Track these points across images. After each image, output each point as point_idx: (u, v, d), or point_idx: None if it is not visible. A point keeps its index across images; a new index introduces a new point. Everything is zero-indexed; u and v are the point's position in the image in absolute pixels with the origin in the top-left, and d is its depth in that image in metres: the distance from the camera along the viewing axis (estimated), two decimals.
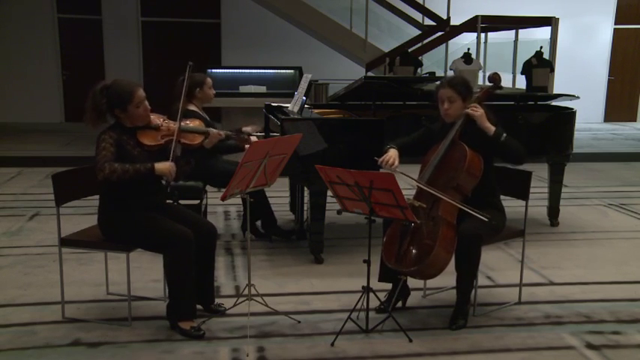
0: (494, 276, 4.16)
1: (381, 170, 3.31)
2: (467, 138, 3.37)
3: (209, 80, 4.66)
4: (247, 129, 4.42)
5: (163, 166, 3.20)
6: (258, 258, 4.44)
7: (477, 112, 3.35)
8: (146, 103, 3.26)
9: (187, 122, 3.47)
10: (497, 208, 3.47)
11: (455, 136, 3.38)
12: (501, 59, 10.76)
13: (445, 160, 3.37)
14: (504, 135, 3.33)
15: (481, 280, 3.78)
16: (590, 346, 3.18)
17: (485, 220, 3.20)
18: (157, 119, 3.36)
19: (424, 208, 3.28)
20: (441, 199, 3.24)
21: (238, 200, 4.97)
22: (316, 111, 5.04)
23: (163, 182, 3.39)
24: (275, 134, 4.62)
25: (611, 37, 13.02)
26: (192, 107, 4.50)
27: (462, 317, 3.37)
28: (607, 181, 7.40)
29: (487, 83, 3.63)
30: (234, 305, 3.48)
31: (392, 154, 3.47)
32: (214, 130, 3.50)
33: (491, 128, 3.34)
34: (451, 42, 10.41)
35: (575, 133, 5.29)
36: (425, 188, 3.29)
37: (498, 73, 3.60)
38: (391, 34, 11.03)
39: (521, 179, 3.63)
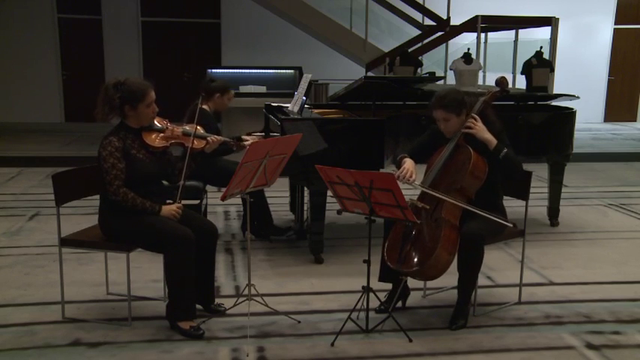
0: (494, 276, 4.16)
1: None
2: (472, 140, 3.36)
3: (232, 92, 4.80)
4: (247, 139, 4.45)
5: (168, 210, 3.27)
6: (258, 258, 4.44)
7: (475, 127, 3.34)
8: (154, 105, 3.30)
9: (187, 127, 3.49)
10: (500, 210, 3.47)
11: (460, 138, 3.38)
12: (501, 59, 10.76)
13: (450, 162, 3.36)
14: (504, 152, 3.30)
15: (481, 280, 3.78)
16: (590, 346, 3.18)
17: (490, 217, 3.20)
18: (161, 122, 3.40)
19: (427, 209, 3.28)
20: (445, 200, 3.24)
21: (238, 200, 4.98)
22: (316, 111, 5.04)
23: (166, 184, 3.42)
24: (275, 134, 4.62)
25: (611, 37, 13.02)
26: (205, 106, 4.57)
27: (462, 317, 3.37)
28: (607, 181, 7.40)
29: (491, 85, 3.61)
30: (234, 305, 3.48)
31: (408, 166, 3.40)
32: (214, 137, 3.52)
33: (493, 142, 3.31)
34: (451, 42, 10.41)
35: (575, 133, 5.28)
36: (429, 192, 3.28)
37: (505, 77, 3.58)
38: (391, 34, 11.03)
39: (521, 179, 3.62)
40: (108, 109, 3.22)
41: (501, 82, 3.53)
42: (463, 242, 3.21)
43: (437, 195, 3.24)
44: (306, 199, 4.68)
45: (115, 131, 3.27)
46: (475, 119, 3.36)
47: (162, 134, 3.36)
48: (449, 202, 3.24)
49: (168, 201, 3.56)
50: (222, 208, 5.78)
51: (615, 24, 12.97)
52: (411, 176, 3.36)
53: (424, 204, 3.29)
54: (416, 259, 3.22)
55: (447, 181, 3.33)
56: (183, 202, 4.22)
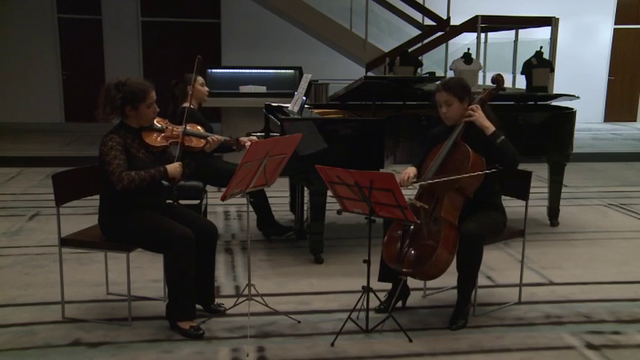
0: (494, 276, 4.16)
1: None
2: (469, 139, 3.37)
3: (200, 78, 4.68)
4: (245, 140, 4.40)
5: (173, 168, 3.26)
6: (258, 258, 4.44)
7: (475, 113, 3.35)
8: (155, 105, 3.30)
9: (188, 127, 3.49)
10: (499, 209, 3.47)
11: (457, 137, 3.38)
12: (501, 59, 10.76)
13: (447, 161, 3.36)
14: (502, 138, 3.32)
15: (481, 280, 3.78)
16: (590, 346, 3.18)
17: (495, 170, 3.25)
18: (160, 122, 3.40)
19: (426, 208, 3.28)
20: (443, 200, 3.25)
21: (238, 200, 4.97)
22: (316, 111, 5.04)
23: (166, 184, 3.42)
24: (275, 134, 4.62)
25: (611, 37, 13.03)
26: (187, 104, 4.47)
27: (462, 317, 3.37)
28: (607, 181, 7.40)
29: (490, 84, 3.63)
30: (234, 305, 3.48)
31: (408, 171, 3.46)
32: (215, 136, 3.52)
33: (490, 128, 3.33)
34: (451, 42, 10.41)
35: (575, 133, 5.28)
36: (430, 182, 3.29)
37: (501, 74, 3.60)
38: (391, 34, 11.03)
39: (521, 179, 3.62)
40: (109, 109, 3.22)
41: (497, 79, 3.55)
42: (462, 241, 3.22)
43: (437, 181, 3.27)
44: (306, 199, 4.68)
45: (115, 130, 3.27)
46: (475, 108, 3.38)
47: (162, 134, 3.37)
48: (447, 202, 3.25)
49: (168, 201, 3.57)
50: (222, 208, 5.78)
51: (615, 24, 12.97)
52: (406, 179, 3.39)
53: (423, 203, 3.30)
54: (416, 259, 3.22)
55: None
56: (183, 202, 4.25)
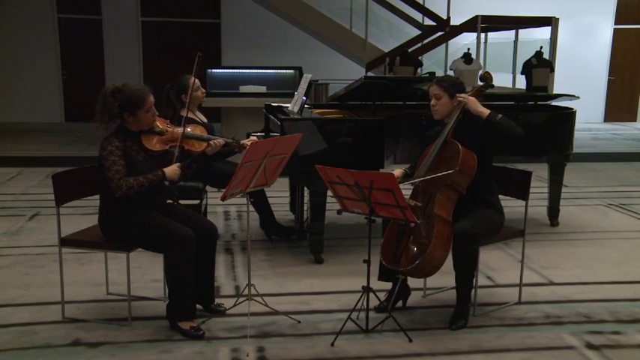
0: (494, 276, 4.17)
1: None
2: (460, 137, 3.38)
3: (192, 81, 4.25)
4: (246, 142, 4.36)
5: (171, 170, 3.26)
6: (258, 258, 4.44)
7: (467, 99, 3.38)
8: (154, 108, 3.30)
9: (189, 129, 3.48)
10: (495, 208, 3.47)
11: (448, 135, 3.39)
12: (501, 59, 10.77)
13: (439, 158, 3.37)
14: (500, 115, 3.33)
15: (481, 280, 3.78)
16: (590, 346, 3.18)
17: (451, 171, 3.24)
18: (162, 123, 3.39)
19: (420, 206, 3.29)
20: (435, 197, 3.27)
21: (238, 200, 4.97)
22: (316, 111, 5.04)
23: (167, 183, 3.42)
24: (275, 134, 4.62)
25: (611, 37, 13.03)
26: (184, 113, 4.34)
27: (462, 317, 3.37)
28: (607, 181, 7.40)
29: (479, 82, 3.67)
30: (234, 305, 3.48)
31: (396, 172, 3.46)
32: (217, 139, 3.51)
33: (485, 111, 3.35)
34: (451, 42, 10.41)
35: (575, 133, 5.29)
36: (421, 179, 3.31)
37: (489, 71, 3.63)
38: (391, 34, 11.04)
39: (521, 179, 3.63)
40: (107, 117, 3.21)
41: (485, 76, 3.60)
42: (456, 240, 3.23)
43: (417, 180, 3.30)
44: (306, 199, 4.68)
45: (114, 133, 3.26)
46: (465, 96, 3.40)
47: (161, 137, 3.35)
48: (440, 198, 3.27)
49: (168, 201, 3.57)
50: (222, 208, 5.78)
51: (615, 24, 12.97)
52: None
53: (417, 201, 3.32)
54: (411, 257, 3.23)
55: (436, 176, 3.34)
56: (183, 202, 4.25)
